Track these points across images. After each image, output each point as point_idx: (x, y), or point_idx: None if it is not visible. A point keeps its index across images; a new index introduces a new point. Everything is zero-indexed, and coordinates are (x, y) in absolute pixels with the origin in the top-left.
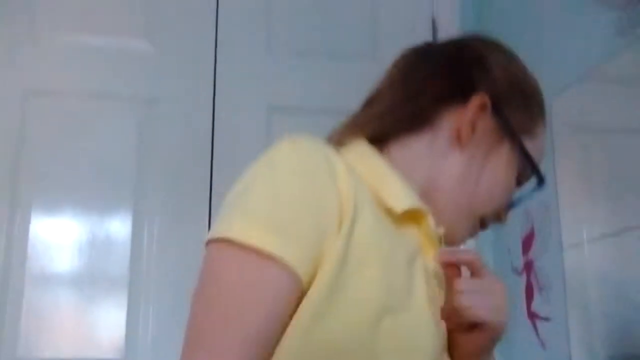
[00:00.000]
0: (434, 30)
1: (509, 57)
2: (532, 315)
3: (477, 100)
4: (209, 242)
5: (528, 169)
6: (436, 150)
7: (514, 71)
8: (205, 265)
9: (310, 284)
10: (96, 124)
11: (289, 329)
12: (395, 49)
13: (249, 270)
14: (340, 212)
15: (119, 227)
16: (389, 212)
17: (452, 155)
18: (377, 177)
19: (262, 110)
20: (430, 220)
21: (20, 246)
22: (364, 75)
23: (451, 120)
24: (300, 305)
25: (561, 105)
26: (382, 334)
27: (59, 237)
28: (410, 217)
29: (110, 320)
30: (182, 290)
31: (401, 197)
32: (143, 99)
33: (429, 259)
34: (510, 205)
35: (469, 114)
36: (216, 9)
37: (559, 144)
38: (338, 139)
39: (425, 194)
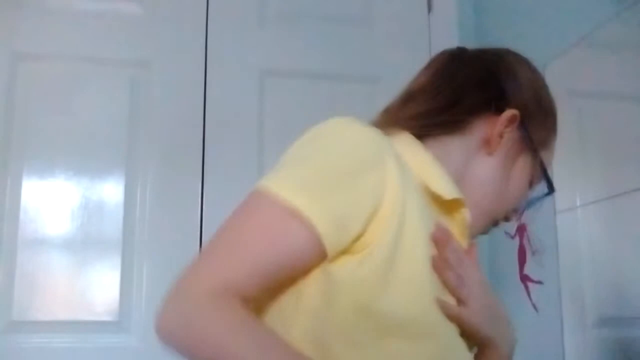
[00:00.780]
0: None
1: (536, 75)
2: (525, 279)
3: (508, 115)
4: (253, 191)
5: (540, 175)
6: (467, 151)
7: (539, 89)
8: (241, 204)
9: (338, 251)
10: (87, 87)
11: (342, 306)
12: (388, 14)
13: (273, 217)
14: (383, 192)
15: (112, 190)
16: (434, 198)
17: (481, 158)
18: (424, 167)
19: (254, 74)
20: (466, 211)
21: (13, 210)
22: (357, 40)
23: (482, 128)
24: (351, 282)
25: (555, 70)
26: (435, 308)
27: (51, 201)
28: (450, 206)
29: (104, 283)
30: (175, 252)
31: (448, 186)
32: (134, 62)
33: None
34: (521, 207)
35: (500, 126)
36: None
37: None
38: (382, 129)
39: None
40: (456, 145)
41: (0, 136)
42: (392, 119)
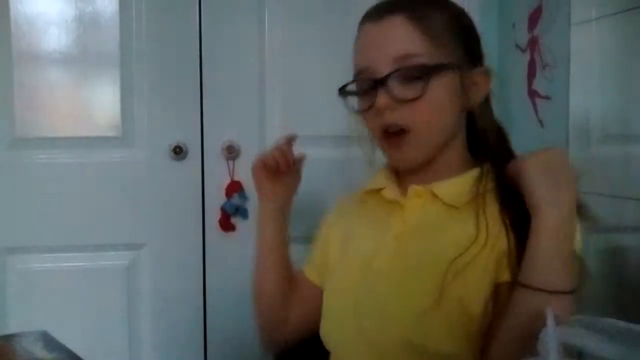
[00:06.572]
0: None
1: None
2: (533, 94)
3: None
4: None
5: None
6: None
7: None
8: None
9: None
10: None
11: None
12: None
13: None
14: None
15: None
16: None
17: None
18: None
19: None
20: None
21: (2, 24)
22: None
23: None
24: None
25: None
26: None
27: (43, 13)
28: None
29: (104, 99)
30: (174, 63)
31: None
32: None
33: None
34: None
35: None
36: None
37: None
38: None
39: None
40: None
41: None
42: None
